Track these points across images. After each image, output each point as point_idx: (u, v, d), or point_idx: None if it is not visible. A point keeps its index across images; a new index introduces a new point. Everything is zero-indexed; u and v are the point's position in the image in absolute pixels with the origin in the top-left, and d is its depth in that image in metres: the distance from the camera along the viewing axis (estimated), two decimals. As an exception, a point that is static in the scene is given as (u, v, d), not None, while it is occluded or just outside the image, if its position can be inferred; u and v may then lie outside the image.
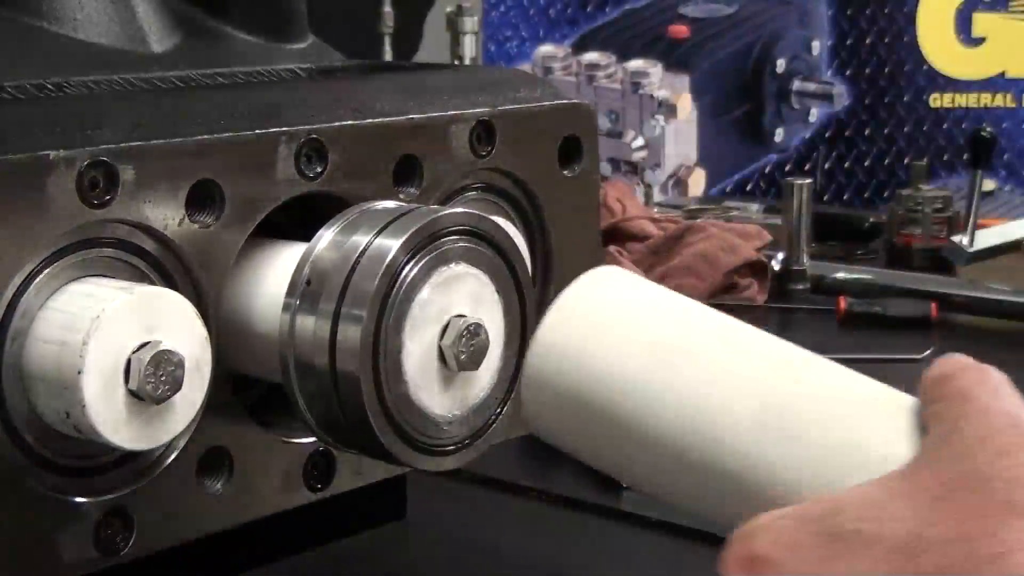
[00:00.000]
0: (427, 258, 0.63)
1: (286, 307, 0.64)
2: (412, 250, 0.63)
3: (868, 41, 1.90)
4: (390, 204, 0.68)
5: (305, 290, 0.64)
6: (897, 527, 0.42)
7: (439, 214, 0.65)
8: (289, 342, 0.64)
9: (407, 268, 0.63)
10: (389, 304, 0.62)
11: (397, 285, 0.62)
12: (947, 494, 0.42)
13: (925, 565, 0.41)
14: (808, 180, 1.49)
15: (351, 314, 0.62)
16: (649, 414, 0.53)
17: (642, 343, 0.54)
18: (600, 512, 0.87)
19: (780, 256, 1.45)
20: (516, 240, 0.76)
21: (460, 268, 0.65)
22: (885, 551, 0.42)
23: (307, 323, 0.63)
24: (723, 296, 1.38)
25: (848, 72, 1.91)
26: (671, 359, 0.53)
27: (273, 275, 0.67)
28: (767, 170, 1.96)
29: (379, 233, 0.64)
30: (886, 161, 1.90)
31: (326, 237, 0.65)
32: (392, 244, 0.63)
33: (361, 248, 0.63)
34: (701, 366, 0.53)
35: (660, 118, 1.97)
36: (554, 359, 0.55)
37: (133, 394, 0.60)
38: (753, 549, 0.46)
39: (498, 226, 0.67)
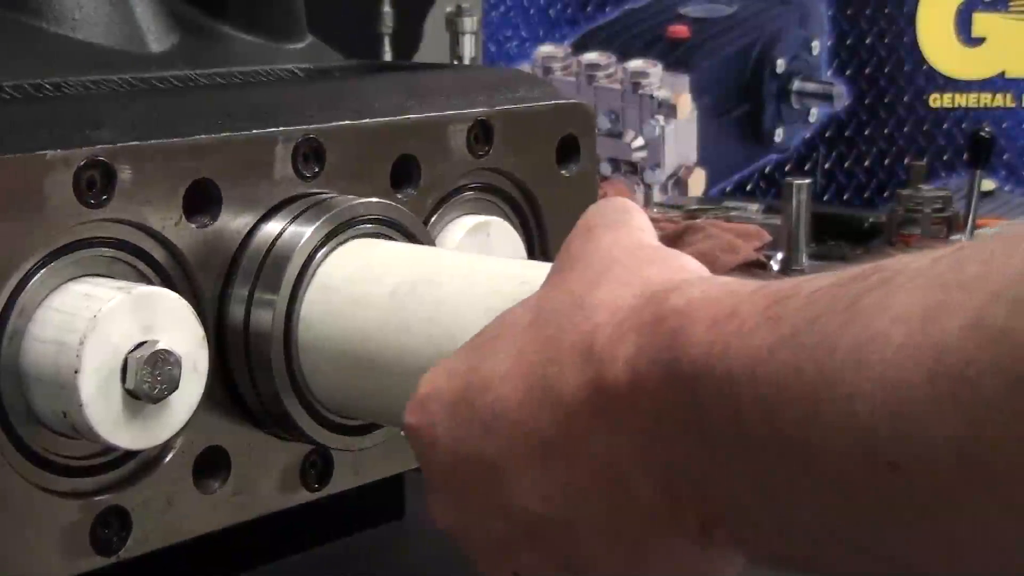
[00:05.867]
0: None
1: None
2: (326, 236, 0.66)
3: (868, 41, 1.90)
4: (312, 191, 0.69)
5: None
6: (522, 315, 0.50)
7: (354, 202, 0.67)
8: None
9: (320, 254, 0.65)
10: (302, 289, 0.65)
11: (310, 270, 0.65)
12: (560, 283, 0.50)
13: (545, 327, 0.48)
14: (808, 180, 1.49)
15: (263, 299, 0.65)
16: (403, 348, 0.60)
17: (383, 292, 0.62)
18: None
19: (780, 256, 1.45)
20: (515, 240, 0.76)
21: None
22: (516, 336, 0.49)
23: (224, 309, 0.65)
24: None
25: (848, 72, 1.91)
26: (412, 294, 0.61)
27: None
28: (767, 170, 1.97)
29: (294, 220, 0.66)
30: (886, 161, 1.90)
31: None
32: (305, 230, 0.65)
33: (276, 234, 0.65)
34: (435, 295, 0.61)
35: (660, 118, 1.97)
36: (319, 329, 0.64)
37: (130, 393, 0.60)
38: (417, 394, 0.51)
39: (411, 216, 0.69)
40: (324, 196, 0.68)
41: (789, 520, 0.41)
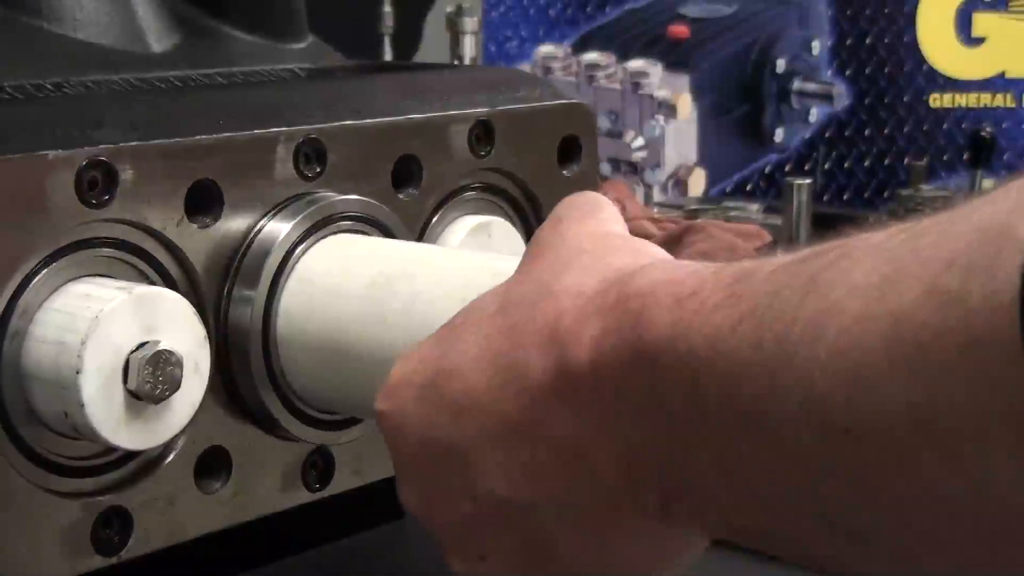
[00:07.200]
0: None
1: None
2: (304, 232, 0.67)
3: (868, 41, 1.90)
4: (313, 192, 0.69)
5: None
6: (490, 303, 0.50)
7: (333, 199, 0.68)
8: None
9: (299, 250, 0.66)
10: (280, 284, 0.66)
11: (288, 266, 0.66)
12: (527, 272, 0.50)
13: (512, 314, 0.48)
14: (808, 180, 1.49)
15: (242, 295, 0.65)
16: (378, 339, 0.61)
17: (360, 284, 0.63)
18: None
19: (780, 256, 1.44)
20: (516, 240, 0.76)
21: None
22: (483, 323, 0.49)
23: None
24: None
25: (848, 72, 1.91)
26: (388, 286, 0.62)
27: None
28: (767, 170, 1.96)
29: (273, 216, 0.66)
30: (886, 161, 1.90)
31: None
32: (284, 227, 0.66)
33: (255, 230, 0.66)
34: (411, 288, 0.62)
35: (660, 118, 1.96)
36: (296, 322, 0.65)
37: (132, 394, 0.60)
38: (388, 382, 0.52)
39: (389, 212, 0.70)
40: (306, 194, 0.68)
41: (747, 492, 0.42)
